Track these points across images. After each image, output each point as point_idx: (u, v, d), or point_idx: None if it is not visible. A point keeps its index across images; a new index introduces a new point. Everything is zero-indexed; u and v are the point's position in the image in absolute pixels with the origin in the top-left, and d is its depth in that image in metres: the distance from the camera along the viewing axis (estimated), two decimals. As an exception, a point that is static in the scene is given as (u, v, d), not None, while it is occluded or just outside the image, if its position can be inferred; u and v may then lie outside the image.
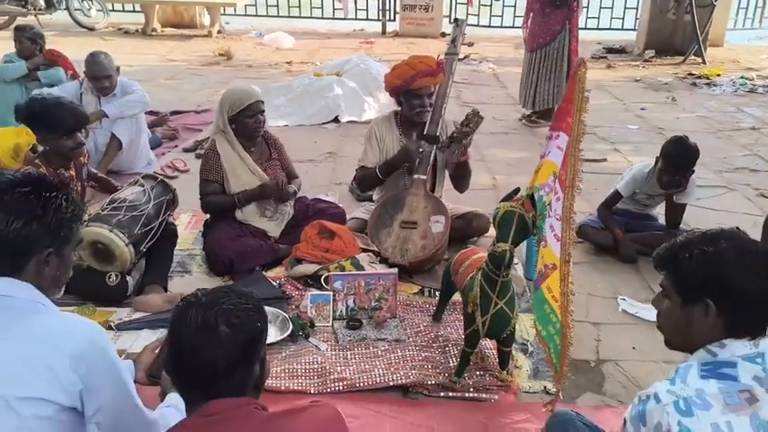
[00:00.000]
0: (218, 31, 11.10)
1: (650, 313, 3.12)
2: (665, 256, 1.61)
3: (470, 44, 4.13)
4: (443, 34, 3.81)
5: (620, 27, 11.48)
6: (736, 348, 1.48)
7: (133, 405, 1.61)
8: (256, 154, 3.54)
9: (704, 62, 9.16)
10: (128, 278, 3.08)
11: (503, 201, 2.27)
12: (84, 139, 3.10)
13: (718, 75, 8.52)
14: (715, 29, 9.87)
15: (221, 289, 1.44)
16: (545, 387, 2.58)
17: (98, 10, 11.62)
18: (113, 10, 12.07)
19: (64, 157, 3.06)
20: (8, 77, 5.36)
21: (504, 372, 2.57)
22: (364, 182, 3.72)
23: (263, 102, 3.45)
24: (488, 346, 2.72)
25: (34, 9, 11.26)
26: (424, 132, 3.53)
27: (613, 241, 3.60)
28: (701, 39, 9.13)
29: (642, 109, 6.95)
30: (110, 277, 3.02)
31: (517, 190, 2.29)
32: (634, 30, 10.97)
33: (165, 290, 3.15)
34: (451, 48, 3.75)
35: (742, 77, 8.34)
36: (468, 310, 2.44)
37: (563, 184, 1.93)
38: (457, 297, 2.97)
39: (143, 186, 3.23)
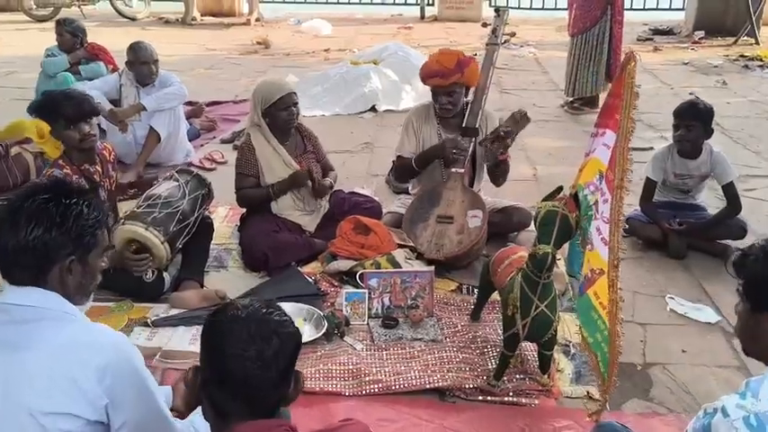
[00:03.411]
0: (257, 19, 11.11)
1: (700, 314, 3.00)
2: (737, 260, 1.51)
3: (512, 34, 3.97)
4: (485, 24, 3.68)
5: (668, 7, 11.12)
6: None
7: (160, 417, 1.58)
8: (290, 147, 3.50)
9: (757, 43, 8.77)
10: (164, 274, 3.08)
11: (544, 200, 2.17)
12: (95, 131, 3.07)
13: (773, 56, 8.14)
14: (769, 8, 9.44)
15: (253, 302, 1.41)
16: (588, 392, 2.47)
17: (139, 0, 11.76)
18: (155, -1, 12.21)
19: (81, 151, 3.05)
20: (51, 71, 5.43)
21: (545, 376, 2.48)
22: (400, 172, 3.68)
23: (295, 94, 3.41)
24: (529, 347, 2.63)
25: (78, 0, 11.45)
26: (463, 125, 3.43)
27: (662, 235, 3.44)
28: (754, 18, 8.73)
29: (690, 94, 6.66)
30: (146, 274, 3.02)
31: (560, 188, 2.18)
32: (682, 9, 10.59)
33: (201, 285, 3.14)
34: (492, 38, 3.63)
35: (799, 59, 7.96)
36: (508, 312, 2.35)
37: (610, 185, 1.82)
38: (496, 295, 2.90)
39: (178, 181, 3.22)
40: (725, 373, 2.62)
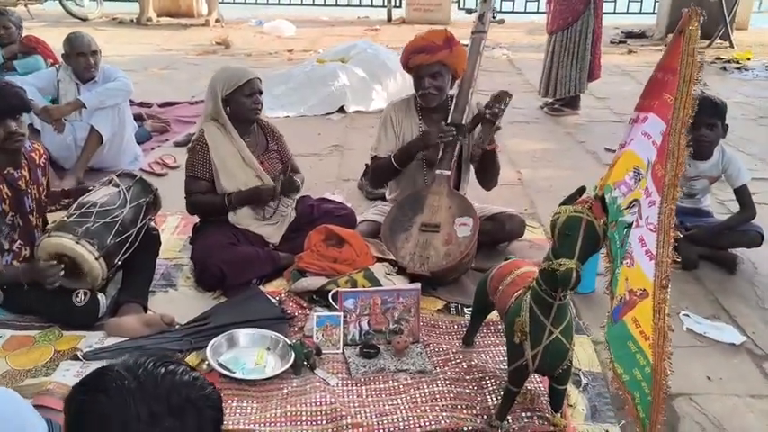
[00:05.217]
0: (216, 20, 10.61)
1: (722, 333, 2.64)
2: None
3: (501, 21, 3.60)
4: (470, 11, 3.34)
5: (639, 11, 11.01)
6: None
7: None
8: (252, 144, 3.05)
9: (732, 46, 8.63)
10: (99, 296, 2.59)
11: (563, 203, 1.77)
12: (23, 130, 2.58)
13: (749, 59, 8.00)
14: (740, 11, 9.33)
15: (139, 360, 0.97)
16: (606, 431, 2.09)
17: (91, 0, 11.15)
18: (107, -1, 11.62)
19: (4, 152, 2.56)
20: (-19, 68, 4.88)
21: (558, 415, 2.07)
22: (377, 173, 3.23)
23: (260, 81, 2.97)
24: (535, 379, 2.23)
25: (24, -1, 10.82)
26: (447, 120, 3.03)
27: (671, 245, 3.08)
28: (728, 20, 8.59)
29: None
30: (77, 296, 2.53)
31: (582, 189, 1.79)
32: (653, 14, 10.49)
33: (145, 309, 2.67)
34: (479, 26, 3.24)
35: (775, 61, 7.84)
36: (515, 340, 1.94)
37: (659, 183, 1.43)
38: (490, 317, 2.49)
39: (118, 187, 2.73)
40: (760, 404, 2.26)
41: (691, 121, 1.40)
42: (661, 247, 1.43)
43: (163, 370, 0.94)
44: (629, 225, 1.59)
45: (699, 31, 1.39)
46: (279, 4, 11.98)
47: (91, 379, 0.96)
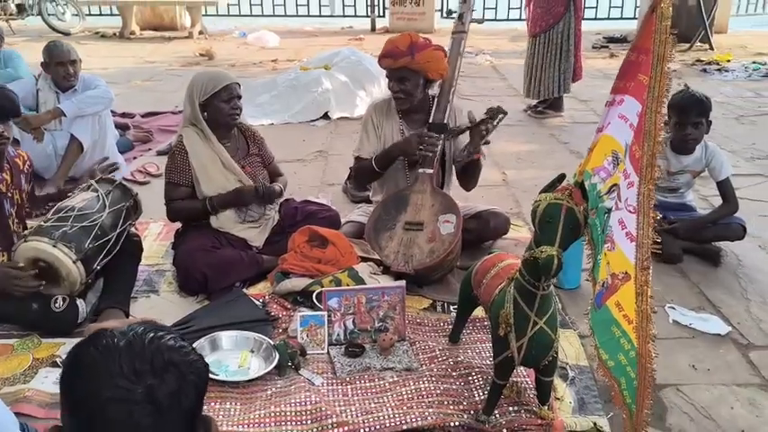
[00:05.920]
0: (200, 32, 10.59)
1: (708, 324, 2.64)
2: None
3: (481, 21, 3.61)
4: (450, 12, 3.36)
5: (620, 16, 11.10)
6: None
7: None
8: (232, 149, 3.02)
9: (711, 48, 8.71)
10: (78, 302, 2.54)
11: (544, 191, 1.76)
12: (9, 134, 2.56)
13: (728, 60, 8.08)
14: (719, 15, 9.44)
15: (134, 326, 1.01)
16: (595, 424, 2.07)
17: (73, 14, 11.12)
18: (90, 14, 11.58)
19: None
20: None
21: (545, 407, 2.05)
22: (359, 175, 3.23)
23: (239, 85, 2.94)
24: (522, 373, 2.21)
25: (5, 14, 10.76)
26: (430, 120, 3.02)
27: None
28: (707, 23, 8.68)
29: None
30: (56, 302, 2.48)
31: (562, 177, 1.78)
32: (633, 18, 10.57)
33: (127, 315, 2.63)
34: (458, 25, 3.25)
35: (754, 62, 7.91)
36: (500, 332, 1.92)
37: (637, 164, 1.42)
38: (476, 313, 2.48)
39: (96, 192, 2.70)
40: (746, 392, 2.26)
41: (665, 100, 1.39)
42: (641, 228, 1.42)
43: (152, 335, 0.98)
44: (609, 210, 1.58)
45: (671, 9, 1.39)
46: (262, 15, 11.98)
47: (88, 337, 1.02)
